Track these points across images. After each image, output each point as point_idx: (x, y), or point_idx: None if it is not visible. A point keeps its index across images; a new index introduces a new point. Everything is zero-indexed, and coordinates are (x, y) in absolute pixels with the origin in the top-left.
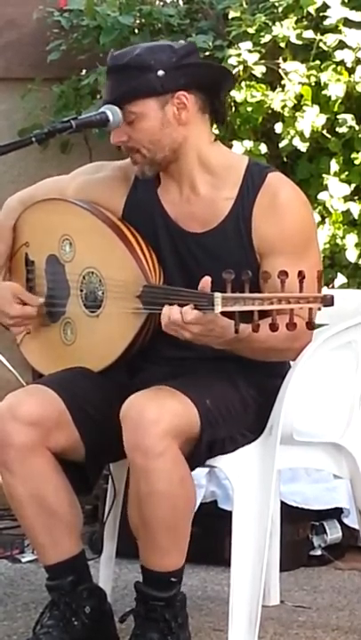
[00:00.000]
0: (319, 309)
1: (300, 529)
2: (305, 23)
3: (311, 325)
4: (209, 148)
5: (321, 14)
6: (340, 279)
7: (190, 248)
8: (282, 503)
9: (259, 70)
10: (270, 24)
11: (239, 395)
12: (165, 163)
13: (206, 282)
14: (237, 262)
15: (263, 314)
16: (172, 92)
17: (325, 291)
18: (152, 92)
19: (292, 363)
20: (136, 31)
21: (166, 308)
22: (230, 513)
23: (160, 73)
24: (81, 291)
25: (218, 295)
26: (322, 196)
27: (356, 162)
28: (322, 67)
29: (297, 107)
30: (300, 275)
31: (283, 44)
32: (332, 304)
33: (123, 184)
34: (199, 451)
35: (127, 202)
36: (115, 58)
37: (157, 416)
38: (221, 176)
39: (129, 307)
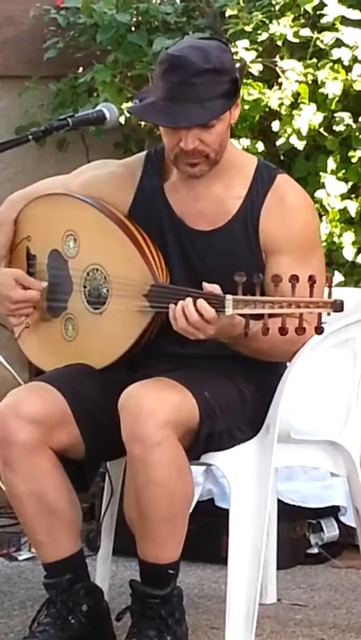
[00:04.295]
0: (328, 314)
1: (297, 527)
2: (302, 21)
3: (320, 331)
4: (227, 147)
5: (318, 12)
6: (338, 277)
7: (196, 246)
8: (279, 501)
9: (256, 68)
10: (267, 22)
11: (238, 390)
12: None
13: (214, 287)
14: (243, 262)
15: (270, 316)
16: (238, 95)
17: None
18: (233, 96)
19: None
20: (133, 29)
21: (177, 309)
22: (227, 511)
23: (235, 76)
24: (84, 287)
25: (229, 297)
26: (319, 194)
27: (354, 160)
28: (319, 65)
29: (294, 105)
30: (311, 279)
31: (280, 42)
32: (341, 310)
33: (129, 181)
34: (197, 443)
35: (134, 199)
36: (192, 62)
37: (156, 406)
38: (233, 175)
39: (135, 305)
